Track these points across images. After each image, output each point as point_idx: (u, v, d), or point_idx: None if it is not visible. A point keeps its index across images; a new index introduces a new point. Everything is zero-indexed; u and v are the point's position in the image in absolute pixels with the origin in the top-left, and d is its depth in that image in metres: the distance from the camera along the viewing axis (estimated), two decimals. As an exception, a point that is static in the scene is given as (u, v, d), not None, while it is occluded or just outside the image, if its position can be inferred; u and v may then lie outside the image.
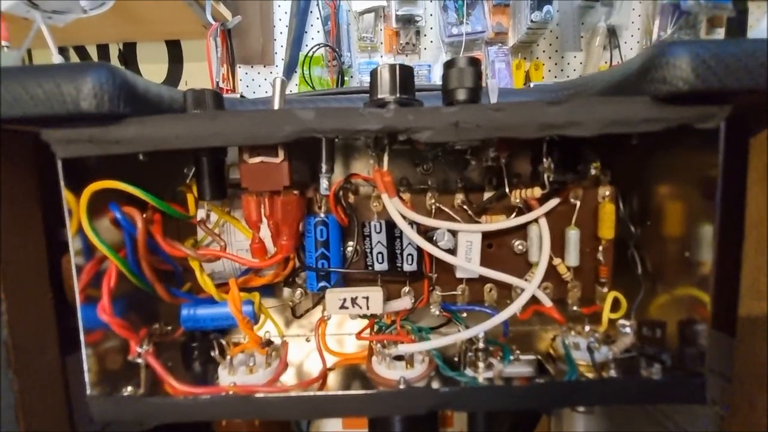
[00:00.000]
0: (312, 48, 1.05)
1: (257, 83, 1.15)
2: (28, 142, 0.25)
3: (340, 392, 0.24)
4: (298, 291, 0.32)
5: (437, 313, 0.30)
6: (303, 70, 1.05)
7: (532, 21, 0.96)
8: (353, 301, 0.26)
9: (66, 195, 0.23)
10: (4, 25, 0.72)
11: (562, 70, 1.14)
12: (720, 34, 1.09)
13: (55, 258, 0.27)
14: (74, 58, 1.11)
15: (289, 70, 1.13)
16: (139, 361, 0.25)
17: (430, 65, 1.08)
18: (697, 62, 0.20)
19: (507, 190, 0.28)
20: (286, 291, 0.33)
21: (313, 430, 0.37)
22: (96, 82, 0.20)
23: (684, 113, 0.21)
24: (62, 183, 0.22)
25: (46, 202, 0.26)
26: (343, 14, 1.07)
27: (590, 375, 0.25)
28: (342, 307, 0.26)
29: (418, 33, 1.09)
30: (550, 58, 1.13)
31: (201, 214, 0.27)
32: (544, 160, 0.24)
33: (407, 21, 1.06)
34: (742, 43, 0.21)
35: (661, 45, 0.21)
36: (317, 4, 1.07)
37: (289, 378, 0.27)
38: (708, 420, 0.30)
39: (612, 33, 1.06)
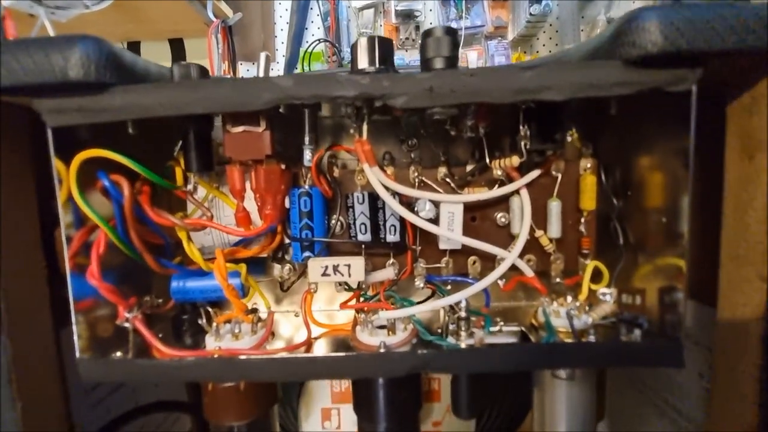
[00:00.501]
0: (312, 44, 1.06)
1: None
2: (23, 119, 0.26)
3: (321, 355, 0.24)
4: (287, 267, 0.32)
5: (421, 285, 0.30)
6: (303, 65, 1.06)
7: (531, 14, 0.96)
8: (335, 268, 0.26)
9: (56, 164, 0.24)
10: (11, 23, 0.74)
11: (562, 64, 1.14)
12: (723, 26, 1.08)
13: (49, 231, 0.28)
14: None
15: (290, 66, 1.14)
16: (127, 325, 0.25)
17: (429, 60, 1.08)
18: (666, 25, 0.20)
19: (488, 161, 0.28)
20: (277, 268, 0.33)
21: (303, 406, 0.37)
22: (83, 51, 0.21)
23: (655, 76, 0.21)
24: (52, 151, 0.23)
25: (40, 176, 0.27)
26: (342, 10, 1.08)
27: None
28: (324, 274, 0.26)
29: (417, 28, 1.10)
30: (550, 51, 1.13)
31: (189, 187, 0.28)
32: (521, 128, 0.25)
33: (407, 16, 1.06)
34: (712, 7, 0.21)
35: (632, 11, 0.22)
36: (317, 1, 1.08)
37: (276, 347, 0.28)
38: (698, 396, 0.30)
39: (612, 26, 1.06)
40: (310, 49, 1.05)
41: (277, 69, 1.14)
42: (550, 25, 1.07)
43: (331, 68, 1.07)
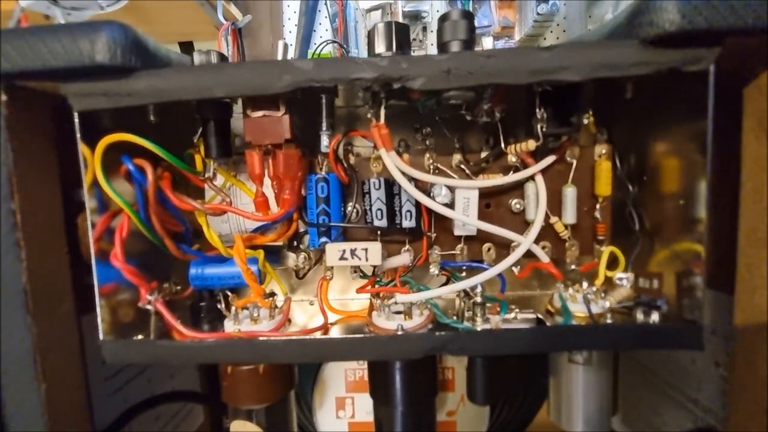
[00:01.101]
0: (320, 45, 1.07)
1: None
2: (47, 106, 0.27)
3: (340, 336, 0.24)
4: (302, 255, 0.33)
5: (436, 272, 0.31)
6: (311, 65, 1.07)
7: (538, 14, 0.96)
8: (352, 252, 0.26)
9: (82, 148, 0.24)
10: (27, 23, 0.76)
11: (569, 63, 1.13)
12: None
13: (71, 217, 0.29)
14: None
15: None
16: (149, 307, 0.26)
17: (436, 60, 1.09)
18: (684, 3, 0.20)
19: (503, 146, 0.28)
20: (291, 257, 0.34)
21: (317, 395, 0.37)
22: (110, 36, 0.22)
23: (673, 56, 0.21)
24: (78, 135, 0.24)
25: (63, 164, 0.28)
26: (350, 12, 1.09)
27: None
28: (341, 258, 0.26)
29: (424, 29, 1.10)
30: (557, 50, 1.12)
31: (208, 173, 0.29)
32: (537, 111, 0.25)
33: (414, 17, 1.07)
34: (729, -14, 0.21)
35: (649, -9, 0.22)
36: (326, 3, 1.09)
37: (292, 331, 0.28)
38: (715, 386, 0.30)
39: (620, 25, 1.06)
40: (318, 51, 1.06)
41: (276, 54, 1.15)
42: (558, 24, 1.07)
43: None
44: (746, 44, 0.23)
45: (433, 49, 1.13)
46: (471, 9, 1.05)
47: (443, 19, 0.24)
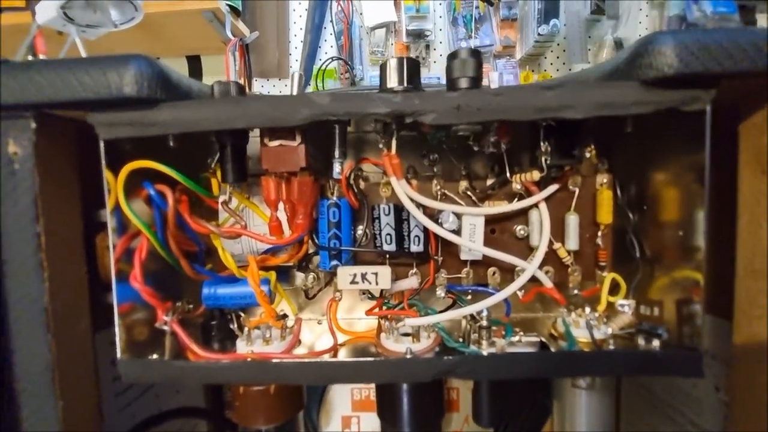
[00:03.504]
0: (325, 61, 1.09)
1: (272, 95, 1.19)
2: (71, 131, 0.28)
3: (351, 359, 0.25)
4: (311, 275, 0.34)
5: (443, 295, 0.31)
6: (317, 82, 1.09)
7: (539, 34, 0.99)
8: (363, 276, 0.27)
9: (106, 174, 0.25)
10: (41, 40, 0.78)
11: (569, 82, 1.16)
12: (728, 46, 1.10)
13: (89, 237, 0.30)
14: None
15: (304, 84, 1.17)
16: (165, 328, 0.27)
17: (439, 77, 1.11)
18: (681, 48, 0.22)
19: (508, 175, 0.29)
20: (300, 277, 0.35)
21: (323, 414, 0.38)
22: (137, 69, 0.23)
23: (671, 96, 0.23)
24: (103, 162, 0.25)
25: (84, 186, 0.29)
26: (355, 29, 1.12)
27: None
28: (352, 282, 0.27)
29: (428, 47, 1.13)
30: (558, 70, 1.15)
31: (223, 197, 0.30)
32: (542, 144, 0.26)
33: (417, 36, 1.10)
34: (725, 31, 0.22)
35: (649, 35, 0.23)
36: (331, 21, 1.12)
37: (302, 352, 0.29)
38: (715, 410, 0.31)
39: (619, 46, 1.08)
40: (323, 67, 1.08)
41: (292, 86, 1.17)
42: (558, 44, 1.09)
43: (344, 85, 1.11)
44: (740, 85, 0.24)
45: (435, 66, 1.15)
46: (473, 29, 1.08)
47: (452, 56, 0.25)
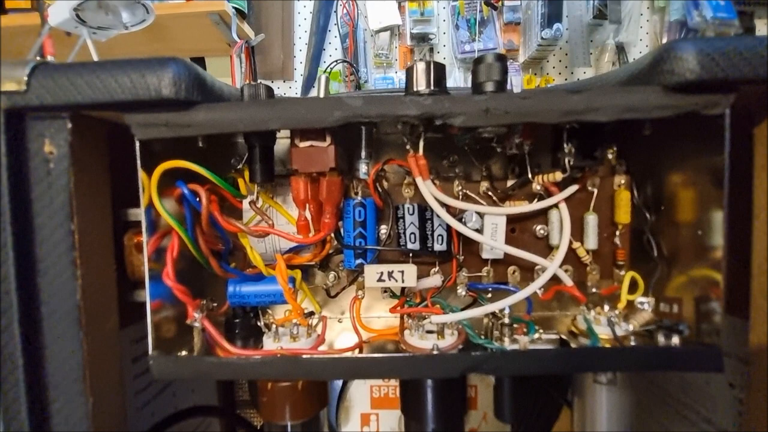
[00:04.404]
0: (330, 64, 1.10)
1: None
2: (102, 132, 0.28)
3: (379, 354, 0.26)
4: (332, 274, 0.34)
5: (464, 293, 0.32)
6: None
7: (542, 38, 1.00)
8: (389, 274, 0.28)
9: (141, 174, 0.26)
10: (50, 41, 0.78)
11: (572, 85, 1.17)
12: (727, 51, 1.12)
13: (118, 236, 0.30)
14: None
15: (308, 85, 1.18)
16: (196, 324, 0.27)
17: (443, 80, 1.12)
18: (702, 55, 0.22)
19: (530, 176, 0.30)
20: (320, 275, 0.35)
21: (342, 411, 0.38)
22: (175, 72, 0.23)
23: (691, 100, 0.23)
24: (138, 162, 0.25)
25: (113, 187, 0.29)
26: (360, 32, 1.13)
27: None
28: (379, 279, 0.28)
29: (431, 50, 1.14)
30: (560, 73, 1.16)
31: (250, 197, 0.30)
32: (565, 145, 0.27)
33: (421, 39, 1.11)
34: (744, 39, 0.23)
35: (670, 42, 0.24)
36: (336, 23, 1.13)
37: (326, 349, 0.29)
38: (729, 407, 0.31)
39: (621, 50, 1.09)
40: (328, 69, 1.09)
41: (295, 88, 1.19)
42: (560, 48, 1.11)
43: (349, 88, 1.11)
44: (756, 90, 0.25)
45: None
46: (477, 32, 1.09)
47: (478, 61, 0.26)
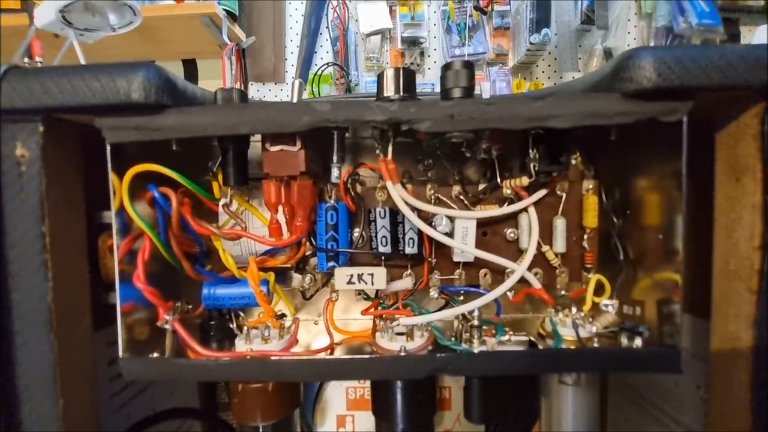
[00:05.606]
0: (321, 67, 1.11)
1: (268, 99, 1.21)
2: (76, 135, 0.28)
3: (347, 356, 0.26)
4: (308, 276, 0.35)
5: (436, 295, 0.33)
6: (312, 87, 1.10)
7: (531, 43, 1.01)
8: (359, 277, 0.28)
9: (112, 177, 0.26)
10: (38, 43, 0.78)
11: (560, 90, 1.18)
12: (713, 57, 1.14)
13: (92, 238, 0.30)
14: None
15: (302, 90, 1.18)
16: (167, 327, 0.27)
17: (433, 84, 1.13)
18: (659, 63, 0.23)
19: (499, 180, 0.31)
20: (297, 278, 0.35)
21: (318, 412, 0.39)
22: (145, 76, 0.24)
23: (650, 107, 0.24)
24: (109, 166, 0.26)
25: (87, 189, 0.29)
26: (351, 36, 1.13)
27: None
28: (349, 282, 0.28)
29: (422, 54, 1.15)
30: (549, 78, 1.18)
31: (224, 200, 0.31)
32: (530, 151, 0.27)
33: (412, 42, 1.12)
34: (701, 48, 0.24)
35: (630, 50, 0.25)
36: (327, 27, 1.14)
37: (299, 350, 0.29)
38: (696, 407, 0.32)
39: (609, 55, 1.11)
40: (319, 72, 1.10)
41: (286, 90, 1.19)
42: (549, 53, 1.12)
43: (339, 91, 1.12)
44: (716, 97, 0.26)
45: (430, 73, 1.17)
46: (467, 37, 1.10)
47: (446, 67, 0.27)
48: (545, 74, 1.15)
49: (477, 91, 0.28)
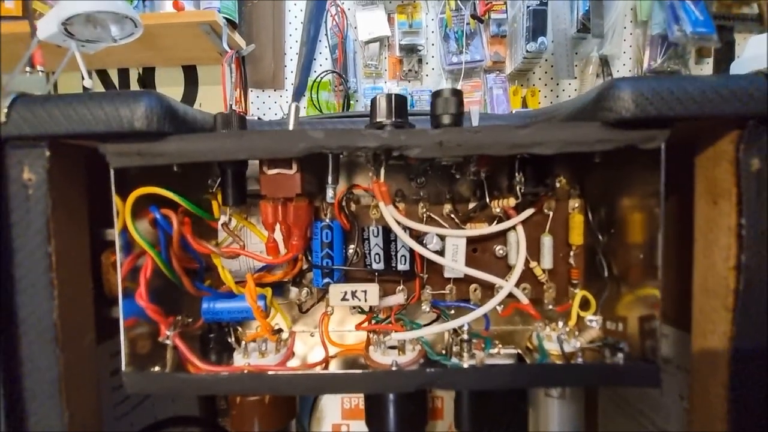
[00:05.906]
0: (320, 74, 1.12)
1: (267, 106, 1.22)
2: (80, 157, 0.30)
3: (341, 371, 0.27)
4: (305, 290, 0.36)
5: (427, 309, 0.34)
6: (311, 94, 1.12)
7: (527, 51, 1.03)
8: (353, 293, 0.29)
9: (116, 200, 0.27)
10: (39, 52, 0.79)
11: (557, 97, 1.20)
12: (709, 63, 1.15)
13: (95, 255, 0.32)
14: (97, 81, 1.19)
15: (298, 94, 1.19)
16: (168, 342, 0.28)
17: (431, 91, 1.14)
18: (637, 95, 0.24)
19: (488, 200, 0.32)
20: (294, 291, 0.37)
21: (314, 422, 0.40)
22: (147, 105, 0.25)
23: (629, 135, 0.25)
24: (113, 188, 0.27)
25: (92, 207, 0.31)
26: (350, 43, 1.15)
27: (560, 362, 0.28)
28: (343, 298, 0.30)
29: (420, 61, 1.16)
30: (546, 85, 1.19)
31: (223, 218, 0.32)
32: (516, 174, 0.29)
33: (410, 50, 1.13)
34: (677, 80, 0.25)
35: (611, 81, 0.26)
36: (326, 34, 1.15)
37: (295, 364, 0.31)
38: (679, 417, 0.33)
39: (604, 62, 1.12)
40: (318, 79, 1.11)
41: (286, 96, 1.20)
42: (546, 60, 1.13)
43: (338, 97, 1.13)
44: (694, 124, 0.27)
45: (428, 80, 1.18)
46: (464, 44, 1.11)
47: (436, 95, 0.28)
48: (542, 81, 1.16)
49: (467, 109, 0.30)
